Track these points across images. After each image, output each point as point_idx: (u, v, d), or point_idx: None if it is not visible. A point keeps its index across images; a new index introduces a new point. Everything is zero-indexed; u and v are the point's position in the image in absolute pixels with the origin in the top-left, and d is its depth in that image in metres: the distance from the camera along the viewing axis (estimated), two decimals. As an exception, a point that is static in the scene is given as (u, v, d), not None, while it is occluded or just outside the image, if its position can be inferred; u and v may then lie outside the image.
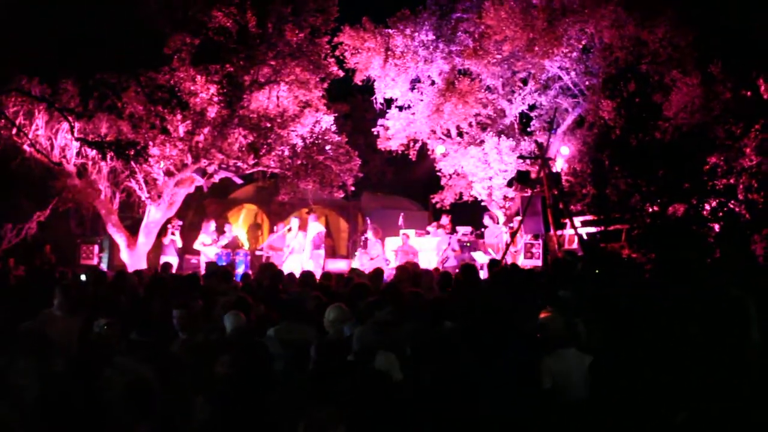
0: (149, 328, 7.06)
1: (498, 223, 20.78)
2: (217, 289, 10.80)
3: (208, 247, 20.17)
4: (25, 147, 18.42)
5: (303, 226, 20.62)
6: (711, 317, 6.29)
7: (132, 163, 18.16)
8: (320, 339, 7.16)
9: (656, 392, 5.45)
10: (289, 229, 20.60)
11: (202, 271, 16.67)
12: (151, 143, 18.05)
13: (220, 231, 20.93)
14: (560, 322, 6.56)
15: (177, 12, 17.95)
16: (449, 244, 19.82)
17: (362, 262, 19.84)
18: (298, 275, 12.98)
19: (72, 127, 17.65)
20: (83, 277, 13.86)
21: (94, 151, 18.55)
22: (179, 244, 20.29)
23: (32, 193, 19.68)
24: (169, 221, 20.21)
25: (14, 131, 18.01)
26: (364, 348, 6.30)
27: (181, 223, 20.72)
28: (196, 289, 10.41)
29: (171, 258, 19.14)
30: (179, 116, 18.35)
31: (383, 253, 20.64)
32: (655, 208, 16.93)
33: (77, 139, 18.03)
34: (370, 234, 20.51)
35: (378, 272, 12.69)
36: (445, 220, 21.33)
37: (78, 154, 19.32)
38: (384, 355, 6.16)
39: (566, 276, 11.06)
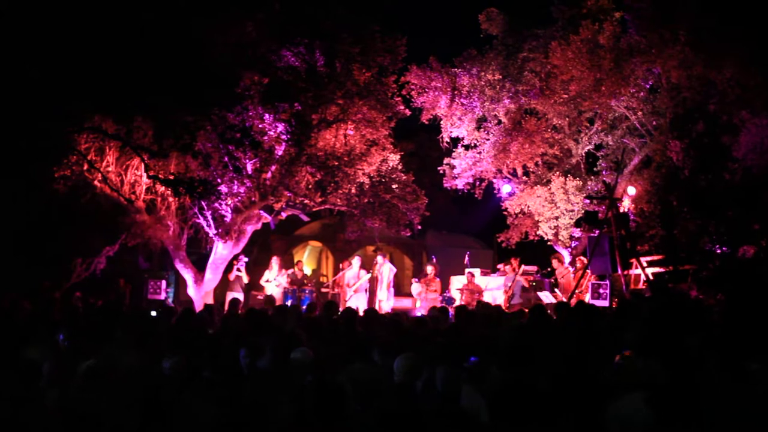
0: (219, 366, 7.08)
1: (564, 263, 20.64)
2: (284, 326, 10.82)
3: (268, 284, 20.54)
4: (96, 183, 18.69)
5: (367, 264, 20.72)
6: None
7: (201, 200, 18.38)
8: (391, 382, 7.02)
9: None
10: (351, 267, 20.78)
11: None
12: (219, 180, 18.26)
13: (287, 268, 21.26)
14: (637, 365, 6.45)
15: (246, 51, 18.15)
16: (514, 281, 19.82)
17: (423, 295, 20.21)
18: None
19: (146, 165, 17.96)
20: (153, 313, 14.03)
21: (163, 188, 18.82)
22: (245, 280, 20.52)
23: (101, 228, 19.87)
24: (235, 257, 20.38)
25: (86, 167, 18.33)
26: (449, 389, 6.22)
27: (247, 259, 20.89)
28: (266, 327, 10.43)
29: (237, 294, 19.33)
30: (249, 154, 18.54)
31: (440, 290, 20.75)
32: (725, 250, 16.72)
33: (150, 177, 18.28)
34: (430, 270, 20.58)
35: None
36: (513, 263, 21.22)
37: (147, 190, 19.56)
38: (470, 397, 6.11)
39: (634, 317, 10.97)
